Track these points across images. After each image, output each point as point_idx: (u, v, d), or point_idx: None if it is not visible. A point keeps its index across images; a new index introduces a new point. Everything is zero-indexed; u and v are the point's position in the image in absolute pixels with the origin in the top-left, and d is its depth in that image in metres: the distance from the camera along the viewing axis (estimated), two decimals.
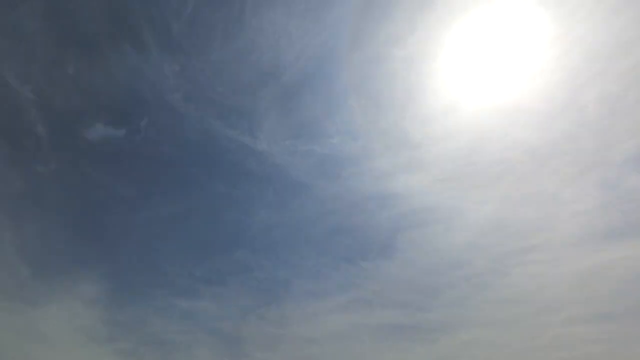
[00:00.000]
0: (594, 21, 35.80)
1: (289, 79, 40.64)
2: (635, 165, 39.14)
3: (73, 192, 37.57)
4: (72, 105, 36.47)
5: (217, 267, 40.61)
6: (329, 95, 42.21)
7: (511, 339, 38.46)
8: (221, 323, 37.17)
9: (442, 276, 42.40)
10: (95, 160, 38.16)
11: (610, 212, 39.69)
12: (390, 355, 37.94)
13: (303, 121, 42.94)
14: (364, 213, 44.41)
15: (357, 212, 44.28)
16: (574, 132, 40.07)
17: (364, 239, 44.13)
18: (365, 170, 44.35)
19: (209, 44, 37.51)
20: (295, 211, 44.19)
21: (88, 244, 37.40)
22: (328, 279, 41.37)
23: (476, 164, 42.53)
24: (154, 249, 39.71)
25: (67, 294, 33.87)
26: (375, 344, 38.26)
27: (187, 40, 37.22)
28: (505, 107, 40.82)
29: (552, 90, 39.27)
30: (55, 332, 32.13)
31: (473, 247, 42.87)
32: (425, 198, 43.77)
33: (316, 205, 44.24)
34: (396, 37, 38.70)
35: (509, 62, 39.32)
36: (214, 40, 37.46)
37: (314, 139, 42.88)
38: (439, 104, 41.15)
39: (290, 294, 40.23)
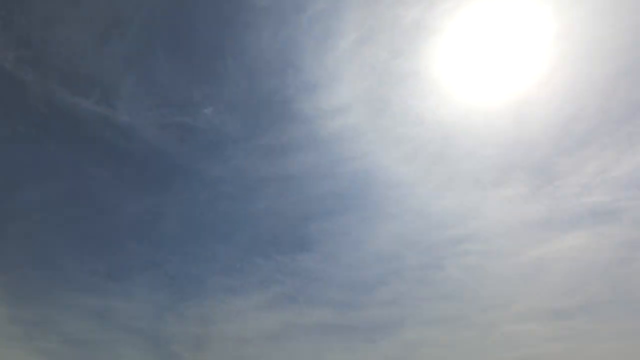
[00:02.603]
0: None
1: (135, 35, 34.47)
2: (565, 145, 37.25)
3: None
4: None
5: (120, 262, 37.09)
6: (189, 56, 36.49)
7: (460, 338, 36.31)
8: (141, 322, 34.87)
9: (369, 271, 39.53)
10: None
11: (542, 198, 37.95)
12: (332, 356, 35.65)
13: (164, 88, 36.88)
14: (263, 198, 40.42)
15: (254, 197, 40.26)
16: (489, 106, 36.86)
17: (271, 229, 40.56)
18: (252, 148, 39.49)
19: None
20: (180, 196, 39.67)
21: None
22: (244, 275, 38.38)
23: (380, 142, 38.78)
24: (40, 240, 35.94)
25: None
26: (313, 344, 36.06)
27: None
28: (405, 76, 36.63)
29: (458, 55, 35.95)
30: None
31: (397, 237, 39.90)
32: (330, 182, 40.14)
33: (204, 190, 39.93)
34: None
35: (407, 22, 35.18)
36: None
37: (184, 110, 37.32)
38: (324, 70, 36.94)
39: (207, 291, 37.32)
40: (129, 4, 33.94)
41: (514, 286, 37.68)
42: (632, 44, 33.78)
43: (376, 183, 40.14)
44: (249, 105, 38.53)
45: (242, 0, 34.62)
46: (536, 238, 37.75)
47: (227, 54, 36.54)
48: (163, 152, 38.30)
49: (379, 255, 39.83)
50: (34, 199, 36.00)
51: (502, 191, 38.34)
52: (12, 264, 34.28)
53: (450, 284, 38.21)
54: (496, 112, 37.13)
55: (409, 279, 38.73)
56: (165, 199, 39.42)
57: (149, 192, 39.16)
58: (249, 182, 40.09)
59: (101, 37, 34.27)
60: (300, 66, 36.90)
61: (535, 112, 36.76)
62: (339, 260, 39.54)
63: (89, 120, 35.85)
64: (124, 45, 34.73)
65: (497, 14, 34.91)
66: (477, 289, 37.89)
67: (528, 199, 37.69)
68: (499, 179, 38.30)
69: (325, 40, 35.64)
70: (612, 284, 35.86)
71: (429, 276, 38.61)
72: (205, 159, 39.49)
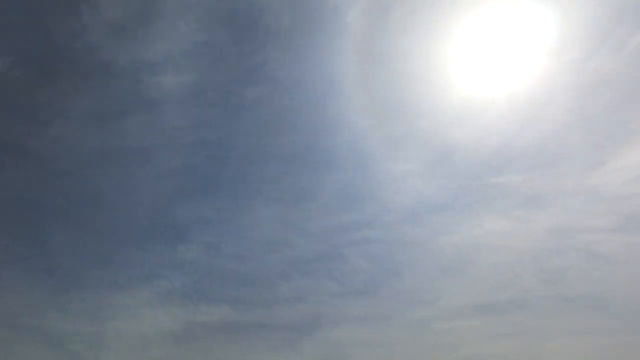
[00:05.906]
0: None
1: None
2: (457, 116, 33.33)
3: None
4: None
5: None
6: None
7: (390, 338, 33.35)
8: (24, 318, 31.06)
9: (261, 264, 34.75)
10: None
11: (440, 176, 34.36)
12: (254, 358, 32.34)
13: None
14: (103, 176, 34.23)
15: (93, 175, 33.91)
16: (358, 65, 30.92)
17: (131, 214, 35.17)
18: (69, 113, 32.56)
19: None
20: (4, 174, 33.37)
21: None
22: (123, 268, 33.91)
23: (227, 107, 32.21)
24: None
25: None
26: (227, 345, 32.64)
27: None
28: (236, 20, 29.99)
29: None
30: None
31: (282, 223, 35.17)
32: (176, 156, 34.00)
33: (29, 167, 33.28)
34: None
35: None
36: None
37: None
38: (129, 6, 29.88)
39: (87, 285, 32.77)
40: None
41: (434, 279, 34.33)
42: None
43: (239, 158, 35.31)
44: (48, 56, 30.77)
45: None
46: (445, 223, 33.93)
47: None
48: None
49: (266, 244, 35.03)
50: None
51: (391, 168, 33.81)
52: None
53: (359, 277, 34.31)
54: (367, 73, 31.86)
55: (310, 272, 34.60)
56: None
57: None
58: (79, 157, 33.90)
59: None
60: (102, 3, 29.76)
61: (421, 77, 32.13)
62: (222, 250, 34.93)
63: None
64: None
65: None
66: (392, 283, 34.23)
67: (424, 177, 33.82)
68: (385, 155, 33.80)
69: None
70: (545, 277, 33.64)
71: (332, 269, 34.56)
72: (16, 127, 32.47)
